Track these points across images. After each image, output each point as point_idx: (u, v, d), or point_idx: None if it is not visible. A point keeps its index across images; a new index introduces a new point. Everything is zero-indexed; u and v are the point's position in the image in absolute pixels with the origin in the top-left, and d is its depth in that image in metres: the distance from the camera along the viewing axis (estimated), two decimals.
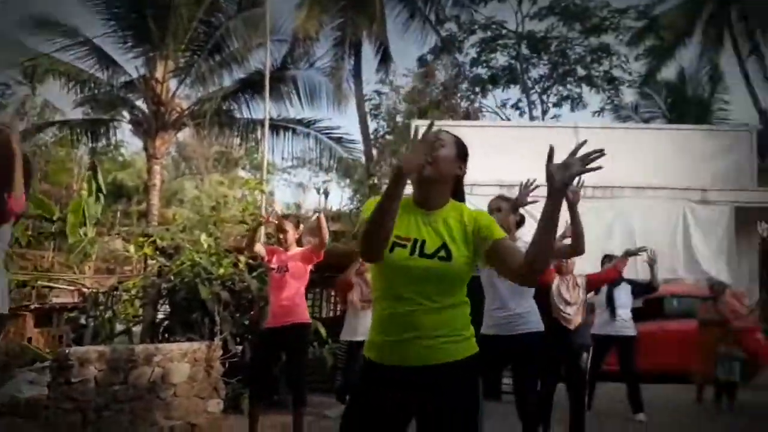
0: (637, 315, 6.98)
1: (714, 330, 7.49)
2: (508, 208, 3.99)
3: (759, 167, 12.95)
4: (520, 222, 4.08)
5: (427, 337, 2.02)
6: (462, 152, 2.20)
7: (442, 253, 2.02)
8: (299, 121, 17.28)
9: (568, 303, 5.40)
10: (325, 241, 4.81)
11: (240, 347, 6.34)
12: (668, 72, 22.22)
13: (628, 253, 5.91)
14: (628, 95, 21.95)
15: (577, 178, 2.95)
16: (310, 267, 4.95)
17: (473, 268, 2.11)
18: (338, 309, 8.87)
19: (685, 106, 20.00)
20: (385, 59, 20.23)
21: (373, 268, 2.14)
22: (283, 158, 19.17)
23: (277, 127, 16.47)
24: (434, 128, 2.07)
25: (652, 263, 6.47)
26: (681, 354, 8.18)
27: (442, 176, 2.12)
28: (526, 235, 4.27)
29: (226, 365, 5.57)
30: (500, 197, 4.10)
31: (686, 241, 11.00)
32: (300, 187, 27.07)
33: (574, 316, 5.37)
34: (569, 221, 3.85)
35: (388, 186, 1.98)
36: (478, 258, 2.09)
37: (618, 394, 6.80)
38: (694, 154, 12.20)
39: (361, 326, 6.13)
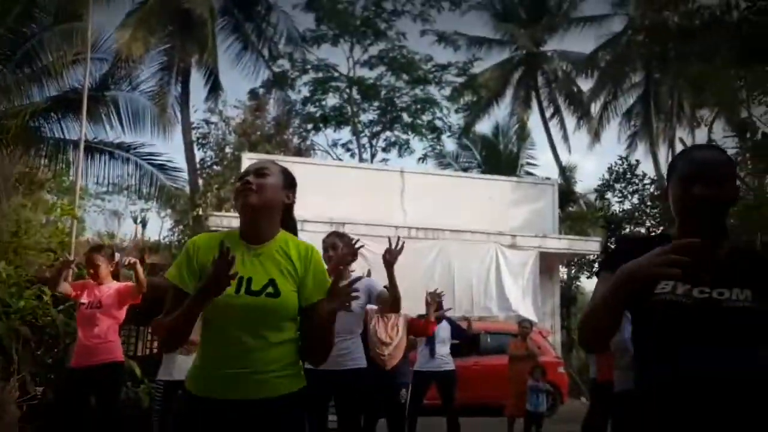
0: (454, 351, 7.30)
1: (523, 365, 8.08)
2: (344, 246, 4.02)
3: (559, 217, 14.44)
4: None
5: (255, 372, 1.96)
6: (289, 181, 2.18)
7: (270, 290, 1.96)
8: (118, 145, 16.19)
9: (384, 343, 5.52)
10: (144, 289, 4.52)
11: (41, 388, 5.67)
12: (484, 126, 24.26)
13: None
14: (449, 145, 23.52)
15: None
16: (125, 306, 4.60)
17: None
18: (154, 346, 8.32)
19: (498, 159, 21.83)
20: (215, 88, 19.79)
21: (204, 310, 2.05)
22: (97, 183, 17.78)
23: (93, 149, 15.31)
24: (260, 158, 2.08)
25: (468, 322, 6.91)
26: (494, 388, 8.70)
27: (268, 204, 2.07)
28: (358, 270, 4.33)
29: (24, 408, 4.95)
30: (336, 234, 4.13)
31: (498, 281, 11.87)
32: (114, 214, 25.25)
33: (389, 357, 5.48)
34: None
35: (191, 304, 1.91)
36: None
37: (438, 428, 7.02)
38: (505, 203, 13.33)
39: (179, 366, 5.75)
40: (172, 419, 5.60)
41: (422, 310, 7.26)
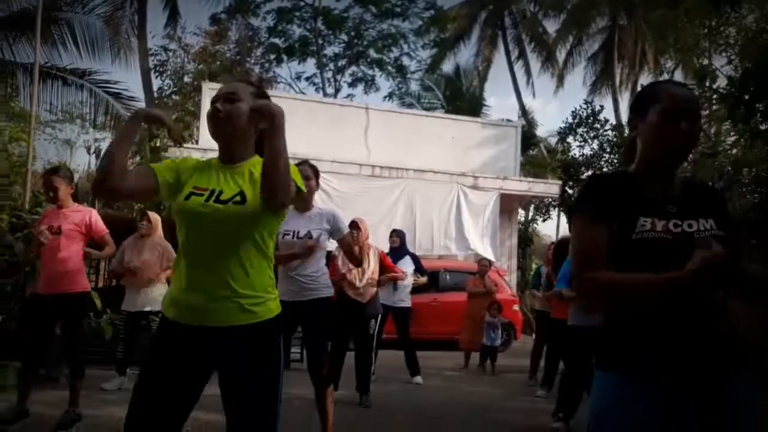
0: (414, 288, 7.44)
1: (480, 301, 8.32)
2: (315, 177, 4.00)
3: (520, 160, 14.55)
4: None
5: (230, 295, 1.98)
6: None
7: (237, 198, 2.00)
8: (72, 71, 15.53)
9: (357, 278, 5.52)
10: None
11: (1, 316, 5.58)
12: (448, 66, 23.99)
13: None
14: (413, 84, 23.25)
15: None
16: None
17: (274, 214, 2.06)
18: (112, 280, 8.25)
19: (460, 99, 21.71)
20: (173, 14, 18.98)
21: (176, 221, 2.08)
22: (48, 110, 17.09)
23: (45, 74, 14.60)
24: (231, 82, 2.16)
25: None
26: (452, 323, 8.95)
27: (237, 130, 2.08)
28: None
29: None
30: (308, 163, 4.07)
31: (458, 221, 12.01)
32: (67, 144, 24.30)
33: (364, 290, 5.52)
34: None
35: (123, 126, 2.10)
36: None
37: (397, 360, 7.24)
38: (467, 144, 13.36)
39: (143, 297, 5.76)
40: (149, 342, 5.63)
41: (384, 248, 7.38)
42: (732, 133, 10.47)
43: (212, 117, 2.08)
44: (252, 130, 2.12)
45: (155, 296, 5.61)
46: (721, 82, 9.96)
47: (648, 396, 1.65)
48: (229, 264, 1.98)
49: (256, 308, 2.01)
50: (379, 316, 5.90)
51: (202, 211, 1.99)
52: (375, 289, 5.68)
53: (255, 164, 2.10)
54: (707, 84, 10.32)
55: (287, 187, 1.95)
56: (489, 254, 11.05)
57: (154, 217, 5.85)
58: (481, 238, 11.90)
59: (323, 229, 3.88)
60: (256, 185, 2.01)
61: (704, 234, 1.69)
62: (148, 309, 5.75)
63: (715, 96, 9.16)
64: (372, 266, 5.67)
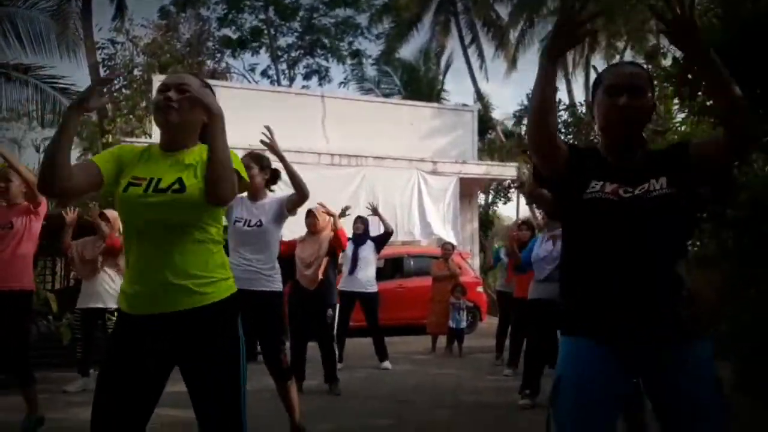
0: (379, 274, 7.47)
1: (445, 285, 8.40)
2: (257, 167, 3.93)
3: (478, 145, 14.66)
4: (270, 180, 4.03)
5: (178, 280, 1.96)
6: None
7: (176, 186, 1.98)
8: (15, 67, 15.02)
9: (306, 264, 5.58)
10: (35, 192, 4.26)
11: None
12: (405, 52, 23.97)
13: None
14: (370, 70, 23.16)
15: None
16: (39, 225, 4.36)
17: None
18: (70, 280, 8.07)
19: (418, 85, 21.72)
20: (120, 6, 18.47)
21: (118, 212, 2.07)
22: None
23: None
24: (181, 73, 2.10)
25: (375, 212, 7.10)
26: (418, 308, 9.02)
27: (188, 122, 2.07)
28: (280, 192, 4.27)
29: None
30: (250, 155, 4.01)
31: (420, 206, 12.08)
32: (14, 143, 23.54)
33: (311, 276, 5.55)
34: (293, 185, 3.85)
35: (66, 115, 1.99)
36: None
37: (365, 347, 7.26)
38: (425, 129, 13.40)
39: (94, 292, 5.63)
40: (108, 338, 5.50)
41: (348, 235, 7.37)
42: (682, 110, 10.74)
43: (162, 106, 2.04)
44: (199, 121, 2.09)
45: (110, 291, 5.51)
46: (670, 61, 10.17)
47: (598, 354, 1.75)
48: (173, 251, 1.97)
49: (207, 289, 2.00)
50: (336, 305, 5.89)
51: (140, 201, 1.97)
52: (320, 277, 5.63)
53: (197, 152, 2.08)
54: (657, 63, 10.54)
55: (229, 184, 1.95)
56: (451, 238, 11.14)
57: (113, 215, 5.71)
58: (443, 223, 11.99)
59: (274, 217, 3.84)
60: (196, 172, 2.01)
61: (653, 194, 1.76)
62: (101, 306, 5.60)
63: (663, 74, 9.36)
64: (321, 254, 5.64)
